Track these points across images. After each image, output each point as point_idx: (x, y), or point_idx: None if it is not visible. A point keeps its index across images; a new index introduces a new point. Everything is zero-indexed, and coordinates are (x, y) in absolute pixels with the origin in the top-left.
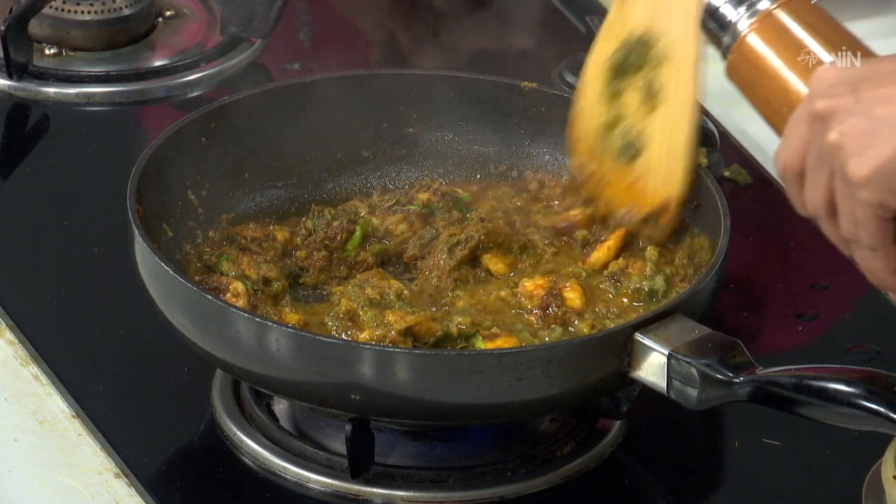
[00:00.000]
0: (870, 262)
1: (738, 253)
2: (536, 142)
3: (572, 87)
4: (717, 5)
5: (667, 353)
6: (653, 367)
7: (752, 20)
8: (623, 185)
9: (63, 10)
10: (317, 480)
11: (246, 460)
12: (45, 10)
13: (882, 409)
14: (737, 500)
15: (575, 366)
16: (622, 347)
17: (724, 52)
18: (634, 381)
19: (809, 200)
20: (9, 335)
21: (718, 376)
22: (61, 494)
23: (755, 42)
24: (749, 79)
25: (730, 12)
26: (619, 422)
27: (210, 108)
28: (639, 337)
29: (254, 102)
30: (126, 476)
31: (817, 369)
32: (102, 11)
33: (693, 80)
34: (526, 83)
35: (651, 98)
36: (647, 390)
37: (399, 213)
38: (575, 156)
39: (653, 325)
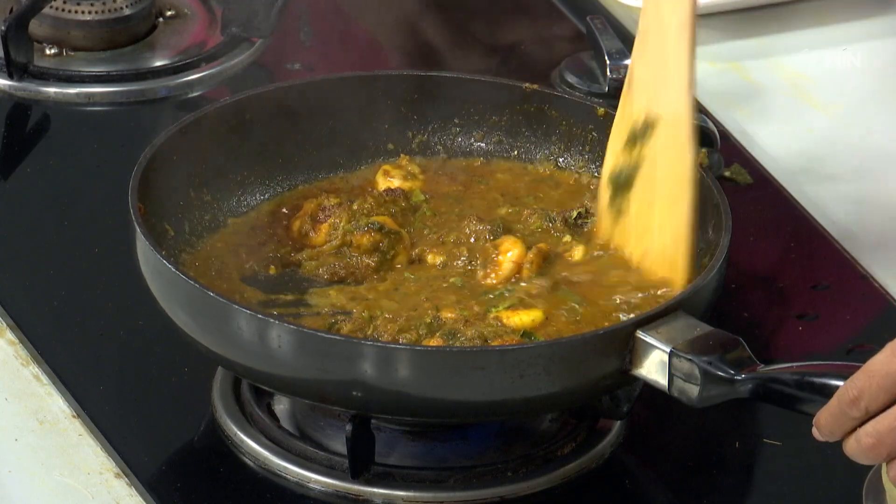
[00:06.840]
0: None
1: (738, 253)
2: (537, 143)
3: (572, 87)
4: None
5: (668, 350)
6: (654, 364)
7: None
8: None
9: (63, 10)
10: (317, 480)
11: (246, 460)
12: (46, 10)
13: None
14: (737, 500)
15: (576, 363)
16: (624, 345)
17: None
18: (636, 379)
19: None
20: (9, 335)
21: (720, 373)
22: (61, 494)
23: None
24: None
25: None
26: (619, 422)
27: (211, 108)
28: (640, 334)
29: (254, 102)
30: (126, 476)
31: (819, 366)
32: (103, 11)
33: (689, 161)
34: (527, 84)
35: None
36: (647, 390)
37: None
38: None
39: (654, 323)
